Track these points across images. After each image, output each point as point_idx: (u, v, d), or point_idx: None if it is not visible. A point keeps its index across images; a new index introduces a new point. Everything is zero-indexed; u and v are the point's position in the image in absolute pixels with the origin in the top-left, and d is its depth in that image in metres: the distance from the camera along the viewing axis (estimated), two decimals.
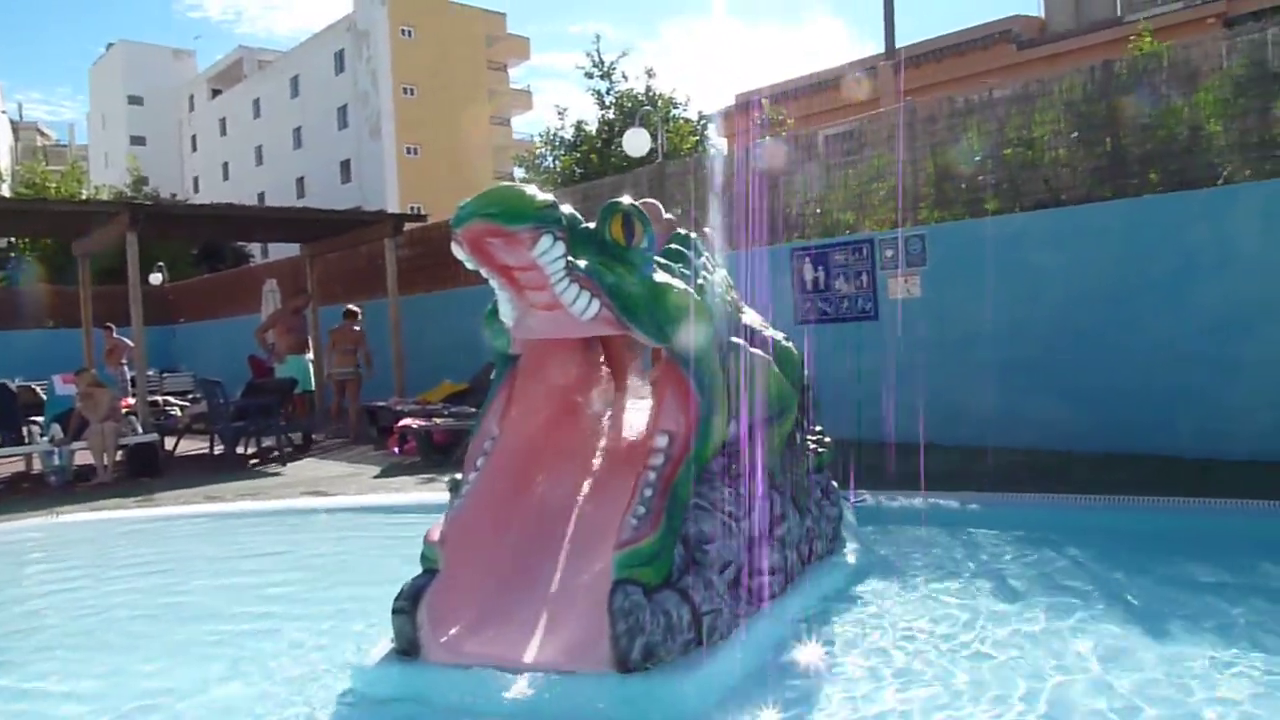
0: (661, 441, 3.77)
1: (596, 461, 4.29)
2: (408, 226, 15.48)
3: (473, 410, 10.21)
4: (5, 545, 7.19)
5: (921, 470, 6.36)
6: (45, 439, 10.57)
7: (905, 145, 9.80)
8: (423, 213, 16.50)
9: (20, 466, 11.24)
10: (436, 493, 7.41)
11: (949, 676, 3.46)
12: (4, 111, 43.54)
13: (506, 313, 3.82)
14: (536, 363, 4.15)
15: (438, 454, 9.73)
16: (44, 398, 13.11)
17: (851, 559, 4.94)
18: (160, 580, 5.83)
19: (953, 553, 5.28)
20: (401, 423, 10.26)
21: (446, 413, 10.59)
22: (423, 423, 10.09)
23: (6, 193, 31.80)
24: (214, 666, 3.95)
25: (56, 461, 10.31)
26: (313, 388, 14.16)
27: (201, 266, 30.49)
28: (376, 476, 9.36)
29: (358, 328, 13.46)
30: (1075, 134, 8.78)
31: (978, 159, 9.40)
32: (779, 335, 4.95)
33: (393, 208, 38.92)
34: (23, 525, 7.66)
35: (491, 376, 4.39)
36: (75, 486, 9.83)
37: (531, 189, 3.43)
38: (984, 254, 8.92)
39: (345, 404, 13.47)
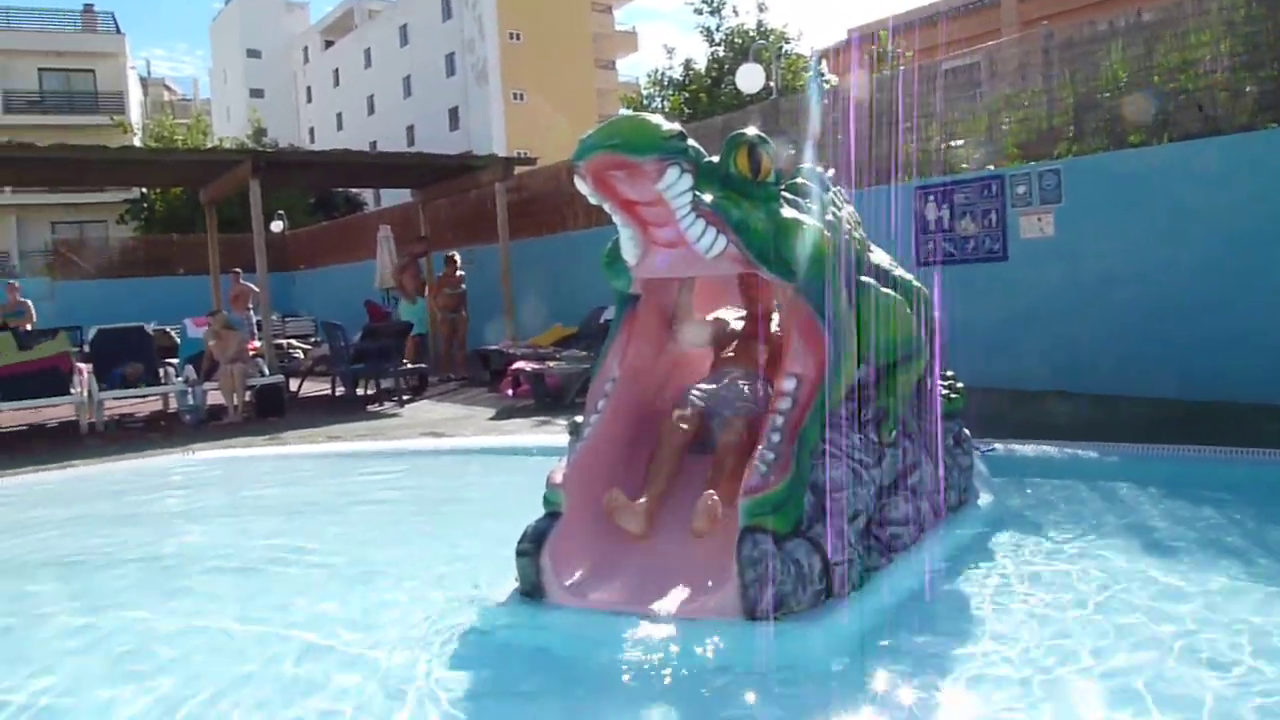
0: (789, 385, 3.61)
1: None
2: (517, 170, 15.51)
3: (583, 354, 10.20)
4: (149, 480, 7.57)
5: (1055, 419, 6.03)
6: (180, 380, 11.06)
7: (1040, 74, 9.19)
8: (531, 156, 16.46)
9: (158, 406, 11.82)
10: (551, 435, 7.43)
11: (1084, 637, 3.23)
12: (134, 68, 45.40)
13: (629, 251, 3.69)
14: (659, 301, 4.02)
15: (550, 397, 9.78)
16: (177, 341, 13.76)
17: (984, 510, 4.71)
18: (288, 518, 6.02)
19: (1090, 506, 4.98)
20: (514, 366, 10.34)
21: (558, 356, 10.62)
22: (535, 366, 10.14)
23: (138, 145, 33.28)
24: (347, 600, 4.04)
25: (190, 401, 10.81)
26: (428, 331, 14.44)
27: (318, 215, 31.37)
28: (491, 419, 9.48)
29: (460, 273, 13.71)
30: (1236, 56, 8.04)
31: (1121, 87, 8.74)
32: (909, 275, 4.69)
33: (500, 154, 39.16)
34: (163, 461, 8.04)
35: (604, 320, 4.30)
36: (208, 425, 10.28)
37: (658, 118, 3.26)
38: (1125, 190, 8.33)
39: (454, 349, 13.75)
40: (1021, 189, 8.95)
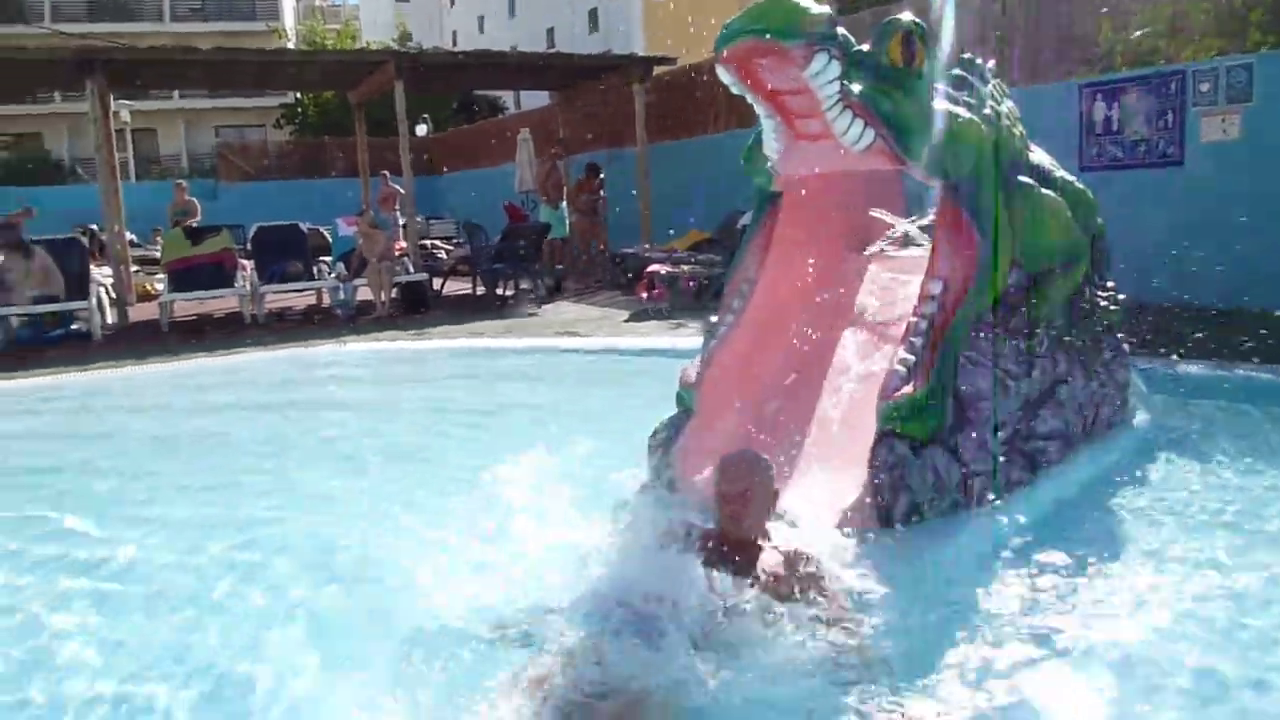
0: (935, 288, 3.45)
1: (861, 308, 4.03)
2: (656, 70, 15.21)
3: (719, 258, 10.09)
4: (306, 367, 8.07)
5: (1226, 339, 5.59)
6: (332, 276, 11.57)
7: None
8: (670, 56, 16.09)
9: (312, 300, 12.44)
10: (685, 338, 7.43)
11: (1237, 568, 3.02)
12: None
13: (771, 145, 3.56)
14: (800, 200, 3.89)
15: (685, 300, 9.76)
16: (330, 240, 14.36)
17: (1140, 430, 4.44)
18: (430, 408, 6.27)
19: (1259, 431, 4.60)
20: (649, 269, 10.33)
21: (694, 260, 10.55)
22: (670, 269, 10.11)
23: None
24: (485, 485, 4.19)
25: (341, 296, 11.34)
26: (566, 234, 14.58)
27: (460, 119, 31.81)
28: (626, 320, 9.57)
29: (600, 178, 13.70)
30: None
31: None
32: (1071, 177, 4.38)
33: (639, 54, 38.49)
34: (318, 351, 8.51)
35: (741, 225, 4.19)
36: (358, 319, 10.76)
37: (806, 1, 3.08)
38: None
39: (592, 252, 13.85)
40: (1205, 86, 8.15)
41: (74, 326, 10.20)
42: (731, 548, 2.77)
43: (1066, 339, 4.00)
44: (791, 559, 2.77)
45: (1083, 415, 4.01)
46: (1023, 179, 3.80)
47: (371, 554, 3.51)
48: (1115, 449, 4.14)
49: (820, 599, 2.67)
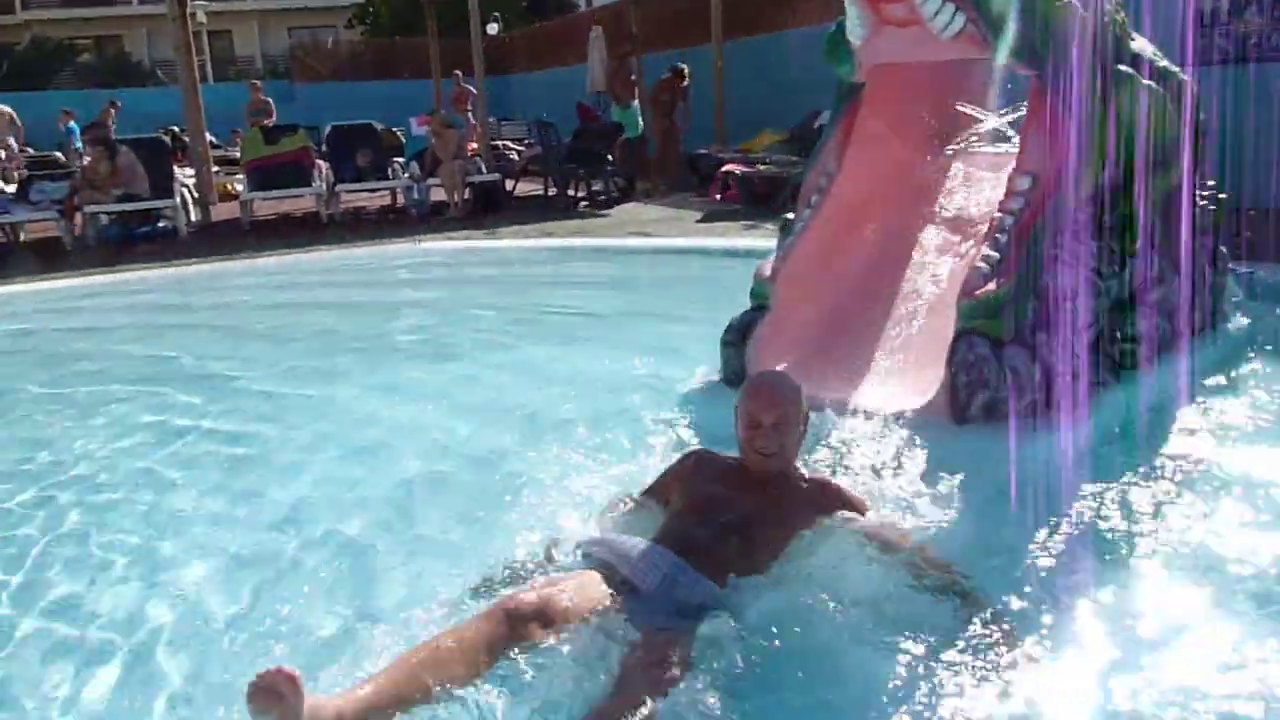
0: (1023, 183, 3.32)
1: (943, 204, 3.91)
2: None
3: (795, 159, 9.87)
4: (384, 265, 8.27)
5: None
6: (406, 176, 11.64)
7: None
8: None
9: (387, 200, 12.56)
10: (758, 238, 7.33)
11: None
12: None
13: (855, 31, 3.43)
14: (885, 92, 3.75)
15: (758, 201, 9.59)
16: (403, 140, 14.39)
17: (1235, 336, 4.27)
18: (504, 304, 6.36)
19: None
20: (723, 169, 10.17)
21: (768, 160, 10.33)
22: (744, 169, 9.93)
23: None
24: (563, 376, 4.33)
25: (415, 196, 11.42)
26: (639, 134, 14.35)
27: (530, 18, 31.24)
28: (698, 221, 9.48)
29: (685, 84, 13.31)
30: None
31: None
32: (1175, 69, 4.12)
33: None
34: (394, 249, 8.65)
35: (818, 125, 4.06)
36: (431, 219, 10.85)
37: None
38: None
39: (667, 153, 13.59)
40: None
41: (160, 224, 10.50)
42: (757, 483, 2.42)
43: (1161, 239, 3.83)
44: (828, 492, 2.50)
45: (1175, 319, 3.87)
46: (1122, 68, 3.60)
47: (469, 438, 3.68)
48: (1206, 353, 3.99)
49: (860, 533, 2.41)
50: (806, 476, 2.57)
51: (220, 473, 3.50)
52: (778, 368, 3.45)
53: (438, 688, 1.86)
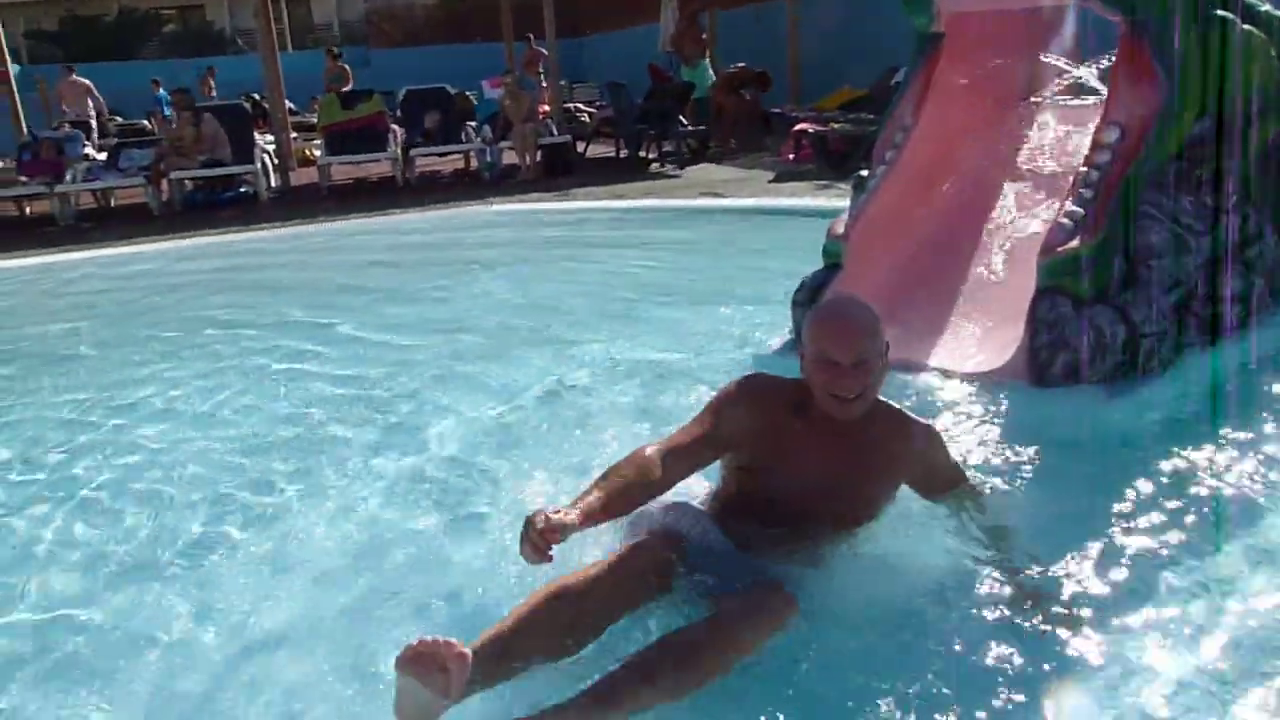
0: (1110, 135, 3.19)
1: (1025, 160, 3.78)
2: None
3: (871, 117, 9.64)
4: (451, 227, 8.34)
5: None
6: (479, 139, 11.70)
7: None
8: None
9: (460, 164, 12.66)
10: (832, 198, 7.20)
11: None
12: None
13: None
14: (964, 43, 3.63)
15: (833, 161, 9.40)
16: (475, 103, 14.45)
17: None
18: (575, 265, 6.40)
19: None
20: (796, 128, 9.98)
21: (844, 119, 10.10)
22: (818, 128, 9.73)
23: None
24: (632, 337, 4.34)
25: (488, 159, 11.49)
26: (707, 94, 14.17)
27: None
28: (771, 181, 9.35)
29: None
30: None
31: None
32: (1275, 11, 3.89)
33: None
34: (464, 211, 8.73)
35: (895, 82, 3.94)
36: (504, 181, 10.91)
37: None
38: None
39: (739, 115, 13.37)
40: None
41: (242, 190, 10.77)
42: (834, 432, 2.10)
43: (1258, 194, 3.65)
44: (928, 439, 2.27)
45: (1272, 278, 3.69)
46: (1219, 13, 3.41)
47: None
48: None
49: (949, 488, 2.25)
50: (897, 414, 2.24)
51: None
52: None
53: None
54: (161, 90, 16.88)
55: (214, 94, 15.60)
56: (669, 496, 2.12)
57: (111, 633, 2.36)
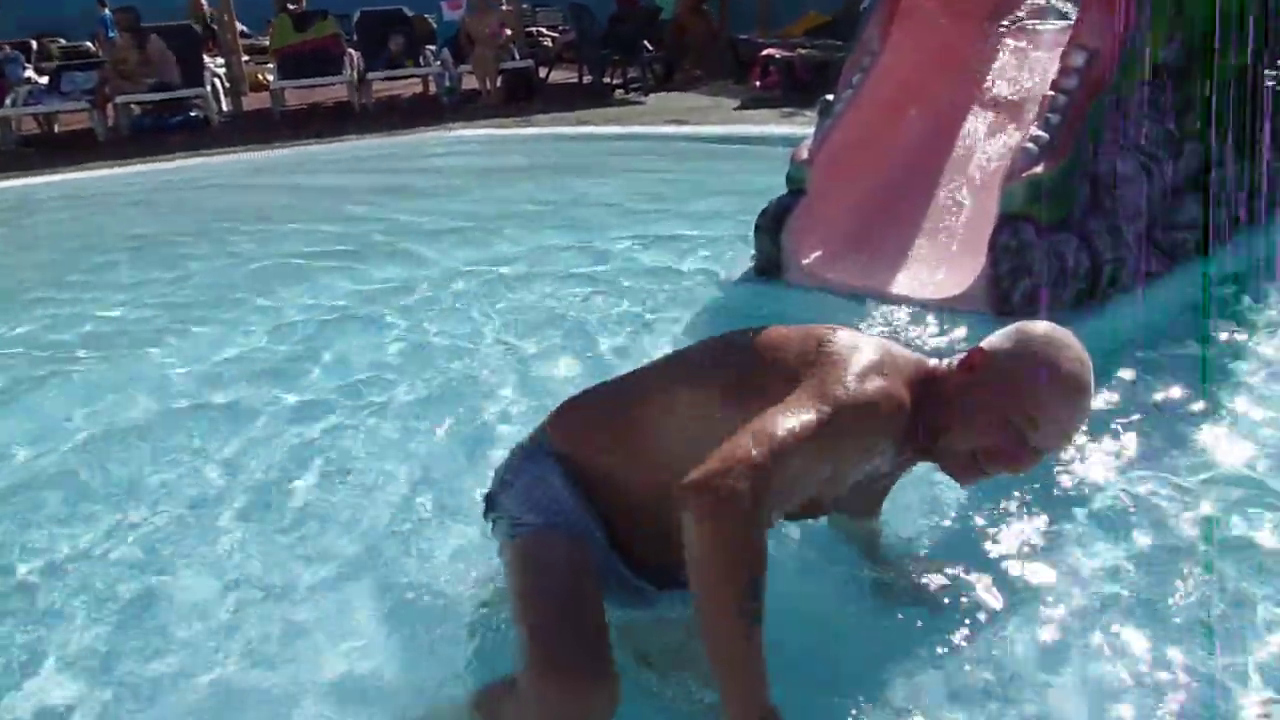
0: (1077, 59, 3.14)
1: (993, 85, 3.73)
2: None
3: (839, 44, 9.49)
4: (412, 153, 8.17)
5: None
6: (437, 63, 11.37)
7: None
8: None
9: (418, 89, 12.31)
10: (798, 126, 7.10)
11: None
12: None
13: None
14: None
15: (800, 88, 9.27)
16: (434, 26, 14.00)
17: None
18: (540, 187, 6.29)
19: None
20: (763, 54, 9.82)
21: (811, 45, 9.94)
22: (785, 54, 9.57)
23: None
24: (591, 258, 4.29)
25: (447, 84, 11.18)
26: (674, 18, 13.85)
27: None
28: (737, 109, 9.21)
29: None
30: None
31: None
32: None
33: None
34: (425, 138, 8.54)
35: (864, 7, 3.82)
36: (463, 107, 10.64)
37: None
38: None
39: (704, 39, 13.10)
40: None
41: (192, 114, 10.41)
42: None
43: (1222, 122, 3.63)
44: None
45: (1233, 205, 3.70)
46: None
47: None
48: (1265, 241, 3.82)
49: None
50: None
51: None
52: (814, 254, 3.36)
53: None
54: (106, 10, 16.16)
55: None
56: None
57: None
